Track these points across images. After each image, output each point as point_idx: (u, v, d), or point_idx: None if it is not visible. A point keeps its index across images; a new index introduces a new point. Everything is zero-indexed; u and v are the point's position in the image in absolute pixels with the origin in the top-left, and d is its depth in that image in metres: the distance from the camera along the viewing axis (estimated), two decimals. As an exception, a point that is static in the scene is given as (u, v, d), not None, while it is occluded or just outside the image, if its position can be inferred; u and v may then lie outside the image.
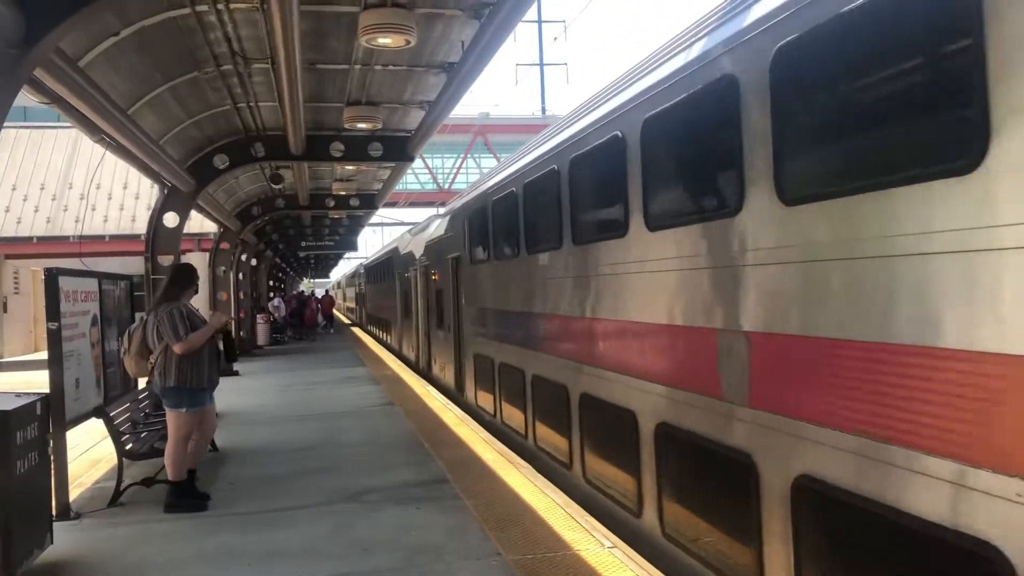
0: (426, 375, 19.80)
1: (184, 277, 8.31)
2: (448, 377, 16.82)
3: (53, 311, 7.86)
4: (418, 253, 20.11)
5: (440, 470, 9.29)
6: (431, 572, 6.01)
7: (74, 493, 8.81)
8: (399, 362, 23.75)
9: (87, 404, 8.70)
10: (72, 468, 10.10)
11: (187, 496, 8.10)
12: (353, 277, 63.03)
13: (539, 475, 8.93)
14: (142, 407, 10.55)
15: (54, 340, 7.83)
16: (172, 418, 7.97)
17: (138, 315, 11.92)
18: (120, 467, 8.53)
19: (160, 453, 8.66)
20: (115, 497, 8.39)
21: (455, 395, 15.67)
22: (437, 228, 17.56)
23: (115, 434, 8.54)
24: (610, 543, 6.46)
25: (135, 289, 11.75)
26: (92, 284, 9.38)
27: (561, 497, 7.93)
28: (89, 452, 11.25)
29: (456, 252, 14.74)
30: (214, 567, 6.34)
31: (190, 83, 10.82)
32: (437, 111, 12.22)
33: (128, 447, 8.70)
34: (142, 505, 8.26)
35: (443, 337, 16.95)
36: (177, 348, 7.73)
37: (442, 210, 18.85)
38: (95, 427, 8.85)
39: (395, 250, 27.23)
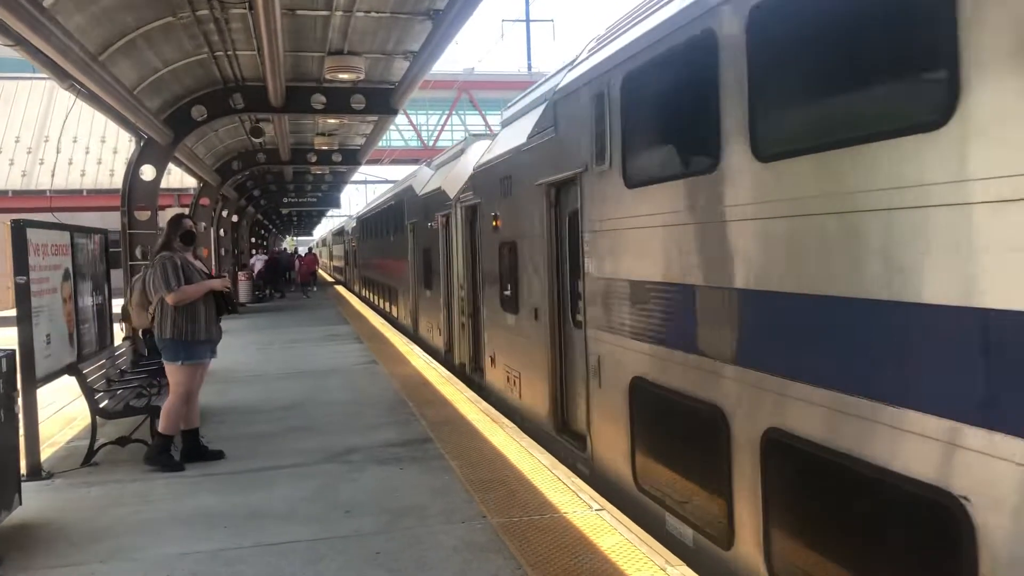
0: (481, 389, 12.24)
1: (173, 227, 8.08)
2: (540, 404, 9.36)
3: (21, 265, 7.56)
4: (456, 189, 13.51)
5: (424, 429, 9.11)
6: (415, 535, 5.82)
7: (47, 452, 8.60)
8: (382, 319, 23.48)
9: (60, 361, 8.43)
10: (45, 426, 9.89)
11: (191, 455, 8.00)
12: (340, 234, 55.88)
13: (524, 435, 8.76)
14: (119, 364, 10.30)
15: (22, 295, 7.55)
16: (170, 372, 7.83)
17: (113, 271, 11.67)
18: (94, 426, 8.29)
19: (136, 411, 8.46)
20: (88, 456, 8.17)
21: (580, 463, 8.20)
22: (509, 137, 10.51)
23: (88, 392, 8.28)
24: (598, 505, 6.30)
25: (111, 244, 11.43)
26: (64, 237, 9.07)
27: (547, 458, 7.76)
28: (65, 410, 11.00)
29: (570, 167, 7.94)
30: (190, 530, 6.13)
31: (164, 29, 10.38)
32: (422, 61, 11.85)
33: (102, 405, 8.45)
34: (117, 465, 8.04)
35: (527, 331, 9.71)
36: (169, 298, 7.56)
37: (506, 113, 11.35)
38: (71, 384, 8.58)
39: (406, 191, 20.42)
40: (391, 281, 24.32)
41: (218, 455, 8.07)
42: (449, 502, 6.52)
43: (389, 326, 21.44)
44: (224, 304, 8.05)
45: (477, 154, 13.03)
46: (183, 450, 8.05)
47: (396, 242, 22.23)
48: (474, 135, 15.52)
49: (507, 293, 10.45)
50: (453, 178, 14.31)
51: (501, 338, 11.00)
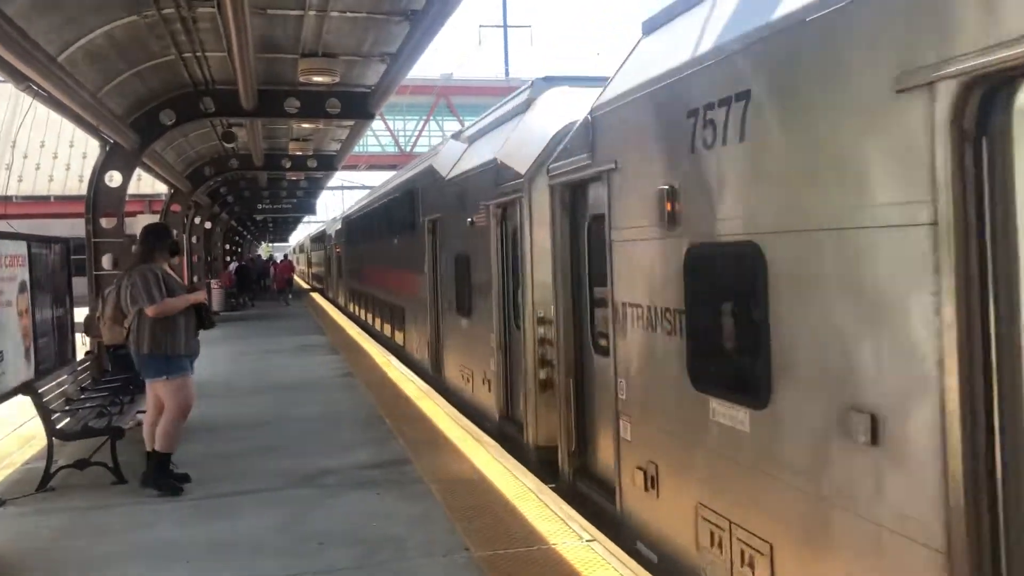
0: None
1: (154, 237, 7.66)
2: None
3: (-30, 278, 7.08)
4: (534, 158, 8.62)
5: (402, 449, 8.69)
6: (392, 572, 5.40)
7: (0, 475, 8.10)
8: (358, 328, 22.97)
9: (15, 378, 7.99)
10: (1, 446, 9.39)
11: (168, 477, 7.49)
12: (320, 240, 48.38)
13: (508, 455, 8.35)
14: (80, 381, 9.79)
15: (-29, 310, 7.06)
16: (160, 388, 7.36)
17: (75, 279, 11.15)
18: (50, 448, 7.80)
19: (96, 432, 7.95)
20: (44, 481, 7.66)
21: None
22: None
23: (44, 412, 7.77)
24: (588, 536, 5.90)
25: (73, 252, 10.94)
26: (20, 248, 8.59)
27: (533, 481, 7.36)
28: (24, 427, 10.44)
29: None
30: (148, 565, 5.68)
31: (129, 28, 9.89)
32: (399, 64, 11.42)
33: (59, 426, 7.95)
34: (75, 490, 7.54)
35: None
36: (150, 311, 7.11)
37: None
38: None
39: (422, 176, 15.18)
40: (396, 299, 18.34)
41: (183, 479, 7.59)
42: (430, 532, 6.10)
43: (367, 336, 20.88)
44: (203, 318, 7.63)
45: (567, 101, 8.80)
46: (147, 472, 7.56)
47: (403, 246, 16.95)
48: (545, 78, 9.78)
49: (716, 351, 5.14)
50: (522, 143, 9.22)
51: (678, 435, 5.49)
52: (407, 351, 16.66)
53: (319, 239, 50.08)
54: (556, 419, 7.88)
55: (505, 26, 58.80)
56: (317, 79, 12.09)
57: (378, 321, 21.72)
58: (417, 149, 48.76)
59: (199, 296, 7.72)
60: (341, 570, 5.48)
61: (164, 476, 7.39)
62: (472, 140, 12.48)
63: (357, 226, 26.87)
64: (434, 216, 13.60)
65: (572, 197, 7.44)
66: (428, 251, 13.94)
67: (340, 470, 7.94)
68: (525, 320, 8.78)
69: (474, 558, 5.55)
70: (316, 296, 43.14)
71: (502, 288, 9.78)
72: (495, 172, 9.78)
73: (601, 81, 7.32)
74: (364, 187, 48.25)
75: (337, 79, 12.18)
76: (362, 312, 25.53)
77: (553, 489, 7.26)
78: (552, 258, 7.76)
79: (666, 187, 5.28)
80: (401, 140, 51.72)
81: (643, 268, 5.83)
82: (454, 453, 8.42)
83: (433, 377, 13.62)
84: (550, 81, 9.71)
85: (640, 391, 5.98)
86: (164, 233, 7.94)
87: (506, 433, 9.57)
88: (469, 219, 10.75)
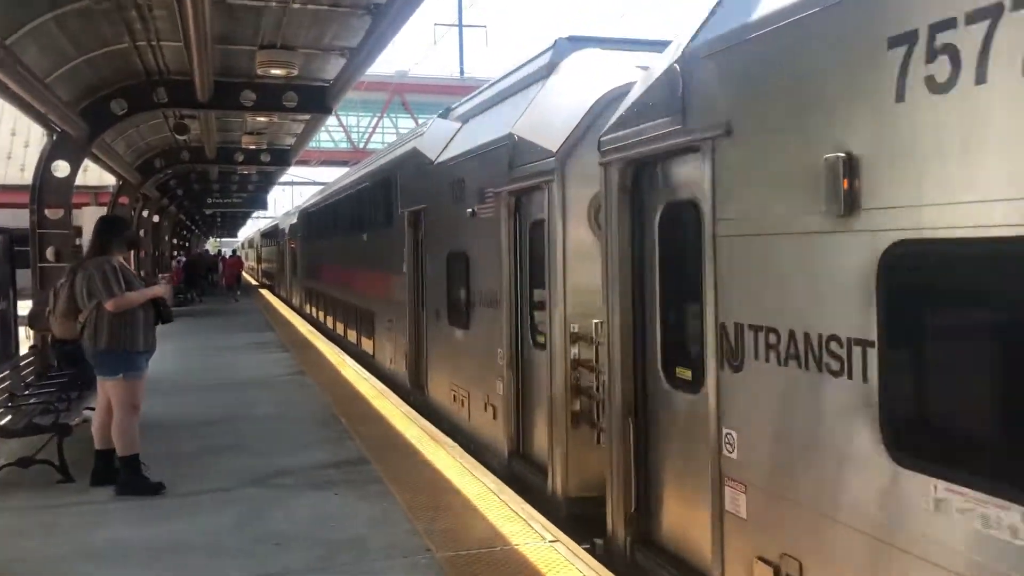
0: None
1: (110, 229, 7.39)
2: None
3: (-91, 268, 6.80)
4: (568, 131, 7.00)
5: (359, 449, 8.56)
6: (353, 573, 5.30)
7: (-60, 474, 7.78)
8: (309, 327, 22.68)
9: (-45, 373, 7.66)
10: (-60, 444, 9.03)
11: (102, 478, 7.24)
12: (272, 236, 43.84)
13: (467, 455, 8.28)
14: (23, 376, 9.49)
15: (-90, 301, 6.78)
16: (112, 388, 7.06)
17: (20, 271, 10.81)
18: (-8, 446, 7.52)
19: (41, 429, 7.68)
20: (-14, 480, 7.39)
21: None
22: None
23: (-14, 408, 7.52)
24: (551, 536, 5.86)
25: (16, 243, 10.59)
26: (-40, 237, 8.28)
27: (494, 481, 7.30)
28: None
29: None
30: (99, 567, 5.51)
31: (80, 13, 9.60)
32: (360, 59, 11.28)
33: (2, 422, 7.69)
34: (19, 489, 7.28)
35: None
36: (109, 305, 6.85)
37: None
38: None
39: (402, 162, 13.10)
40: (364, 301, 16.31)
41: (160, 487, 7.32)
42: (390, 533, 6.01)
43: (317, 334, 20.60)
44: (161, 312, 7.40)
45: (602, 64, 7.48)
46: (93, 471, 7.32)
47: (375, 243, 15.00)
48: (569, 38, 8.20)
49: None
50: (550, 114, 7.60)
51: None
52: (377, 360, 14.72)
53: (271, 235, 45.94)
54: (594, 462, 6.38)
55: (461, 25, 58.51)
56: (275, 71, 11.91)
57: (340, 325, 19.41)
58: (371, 146, 48.41)
59: (159, 290, 7.52)
60: (299, 572, 5.36)
61: (138, 477, 7.14)
62: (467, 118, 10.54)
63: (317, 220, 23.79)
64: (417, 207, 11.51)
65: (636, 178, 5.61)
66: (409, 248, 12.00)
67: (297, 470, 7.79)
68: (552, 336, 6.99)
69: (436, 559, 5.48)
70: (267, 294, 42.31)
71: (515, 295, 7.98)
72: (509, 151, 7.84)
73: (634, 44, 6.80)
74: (315, 183, 47.72)
75: (295, 72, 12.00)
76: (320, 314, 22.86)
77: (599, 556, 5.84)
78: (604, 258, 5.86)
79: (839, 156, 3.58)
80: (354, 136, 51.30)
81: (782, 275, 4.11)
82: (412, 453, 8.33)
83: (412, 392, 11.86)
84: (576, 42, 8.00)
85: (771, 452, 4.20)
86: (121, 225, 7.72)
87: (518, 475, 7.72)
88: (469, 210, 8.85)
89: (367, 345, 15.88)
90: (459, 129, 10.59)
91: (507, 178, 7.91)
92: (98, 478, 7.27)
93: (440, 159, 10.50)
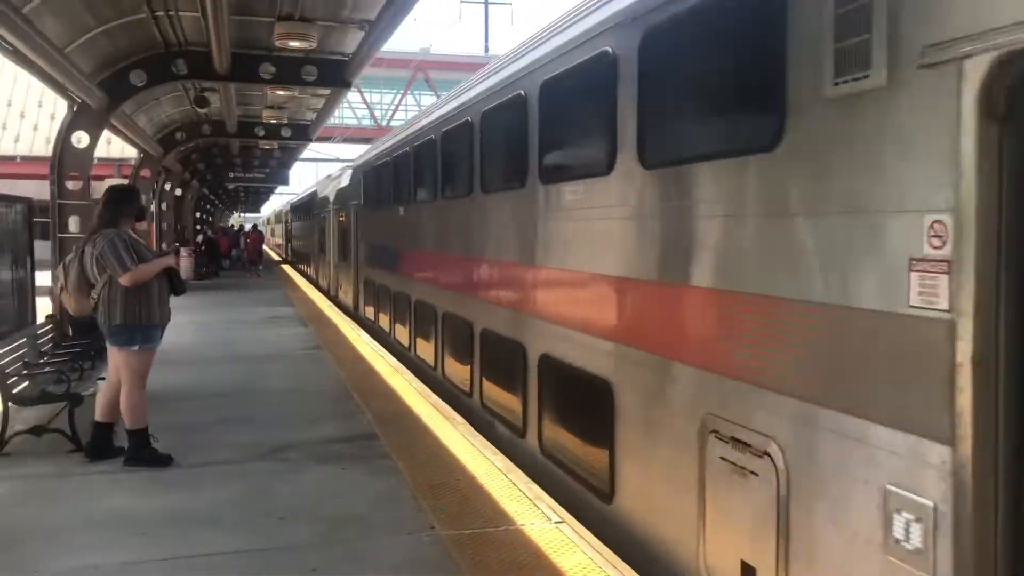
0: None
1: (122, 199, 7.23)
2: None
3: (-78, 234, 6.79)
4: None
5: (369, 424, 8.52)
6: (356, 550, 5.25)
7: (-47, 439, 7.82)
8: (328, 301, 22.66)
9: (-31, 341, 7.67)
10: (-46, 411, 9.10)
11: (99, 451, 7.17)
12: (307, 208, 34.34)
13: (478, 434, 8.21)
14: (40, 345, 9.52)
15: (-77, 268, 6.78)
16: (124, 359, 6.92)
17: (38, 243, 10.83)
18: (5, 413, 7.55)
19: (54, 398, 7.68)
20: (-2, 447, 7.42)
21: None
22: None
23: (0, 376, 7.52)
24: (557, 517, 5.78)
25: (35, 214, 10.60)
26: (-22, 206, 8.28)
27: (503, 461, 7.22)
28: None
29: None
30: (100, 536, 5.48)
31: (98, -18, 9.60)
32: (378, 31, 11.17)
33: (16, 391, 7.70)
34: (30, 457, 7.30)
35: None
36: (124, 279, 6.72)
37: None
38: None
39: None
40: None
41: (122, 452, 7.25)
42: (395, 510, 5.95)
43: (336, 309, 20.59)
44: (175, 284, 7.27)
45: None
46: (90, 443, 7.27)
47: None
48: None
49: None
50: None
51: None
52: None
53: (305, 207, 36.01)
54: None
55: (487, 2, 58.19)
56: (293, 44, 11.81)
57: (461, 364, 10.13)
58: (394, 123, 48.32)
59: (169, 260, 7.36)
60: (303, 547, 5.31)
61: (147, 449, 7.08)
62: None
63: (405, 176, 13.54)
64: None
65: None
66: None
67: (305, 444, 7.76)
68: None
69: (440, 537, 5.41)
70: (296, 276, 41.23)
71: None
72: None
73: None
74: (338, 160, 47.72)
75: (314, 45, 11.91)
76: (409, 333, 13.34)
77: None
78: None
79: None
80: (377, 113, 51.24)
81: None
82: (422, 430, 8.27)
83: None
84: None
85: None
86: (132, 195, 7.53)
87: None
88: None
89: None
90: None
91: None
92: (95, 451, 7.20)
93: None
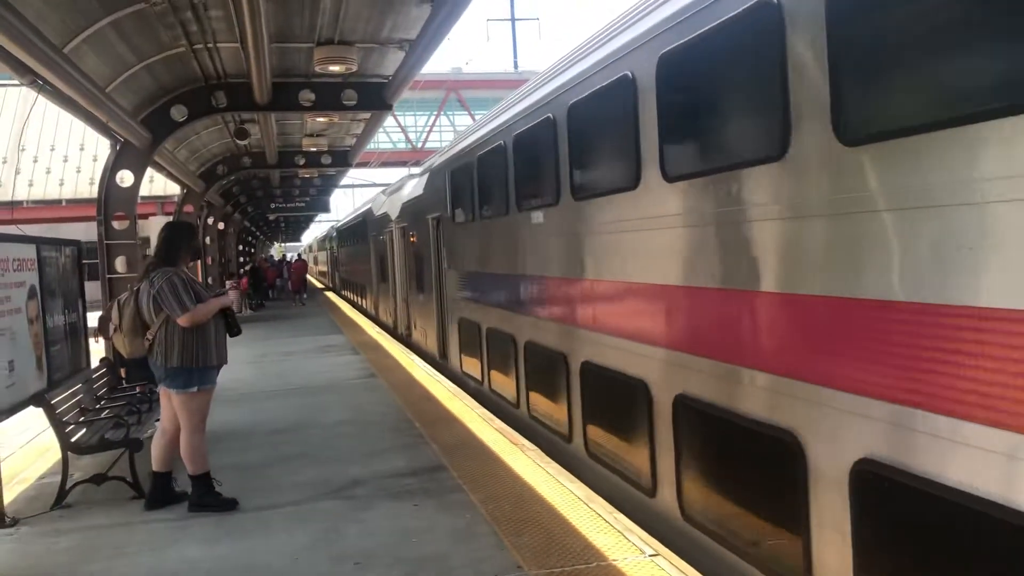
0: None
1: (181, 236, 7.02)
2: None
3: (-25, 283, 6.61)
4: None
5: (435, 454, 8.19)
6: (440, 596, 4.91)
7: (13, 492, 7.67)
8: (377, 328, 22.44)
9: (25, 390, 7.47)
10: (13, 461, 8.99)
11: (158, 499, 6.93)
12: (358, 231, 29.71)
13: (549, 459, 7.84)
14: (96, 390, 9.34)
15: (-23, 317, 6.59)
16: (181, 402, 6.67)
17: (88, 284, 10.68)
18: (65, 463, 7.34)
19: (113, 445, 7.47)
20: (60, 498, 7.21)
21: None
22: None
23: (57, 424, 7.31)
24: (651, 550, 5.39)
25: (84, 256, 10.47)
26: (29, 251, 8.11)
27: (581, 488, 6.84)
28: (39, 438, 10.00)
29: None
30: (172, 592, 5.21)
31: (136, 18, 9.43)
32: (419, 51, 10.93)
33: (74, 439, 7.49)
34: (92, 507, 7.08)
35: None
36: (182, 320, 6.48)
37: None
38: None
39: None
40: None
41: (184, 497, 6.99)
42: (476, 548, 5.60)
43: (386, 335, 20.32)
44: (231, 324, 6.99)
45: None
46: (149, 494, 7.03)
47: None
48: None
49: None
50: None
51: None
52: None
53: (356, 229, 31.05)
54: None
55: (513, 19, 58.29)
56: (333, 68, 11.62)
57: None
58: (429, 145, 48.38)
59: (227, 300, 7.08)
60: (383, 594, 4.99)
61: (211, 494, 6.82)
62: None
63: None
64: None
65: None
66: None
67: (371, 479, 7.45)
68: None
69: (529, 578, 5.05)
70: (340, 303, 41.57)
71: None
72: None
73: None
74: (374, 184, 47.74)
75: (354, 68, 11.70)
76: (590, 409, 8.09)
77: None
78: None
79: None
80: (412, 136, 51.33)
81: None
82: (491, 458, 7.92)
83: None
84: None
85: None
86: (189, 232, 7.29)
87: None
88: None
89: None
90: None
91: None
92: (155, 501, 6.94)
93: None
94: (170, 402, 6.82)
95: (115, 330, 6.89)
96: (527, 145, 9.17)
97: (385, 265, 22.09)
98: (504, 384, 10.75)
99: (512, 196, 9.68)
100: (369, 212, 26.09)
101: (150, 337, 6.69)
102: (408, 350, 16.32)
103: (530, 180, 9.28)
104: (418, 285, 16.97)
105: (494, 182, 10.53)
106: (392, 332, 20.86)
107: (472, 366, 12.50)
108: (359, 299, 31.58)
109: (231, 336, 7.00)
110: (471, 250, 12.23)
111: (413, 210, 16.82)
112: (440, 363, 14.71)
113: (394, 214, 19.57)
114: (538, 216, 8.86)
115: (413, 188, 17.11)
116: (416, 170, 19.90)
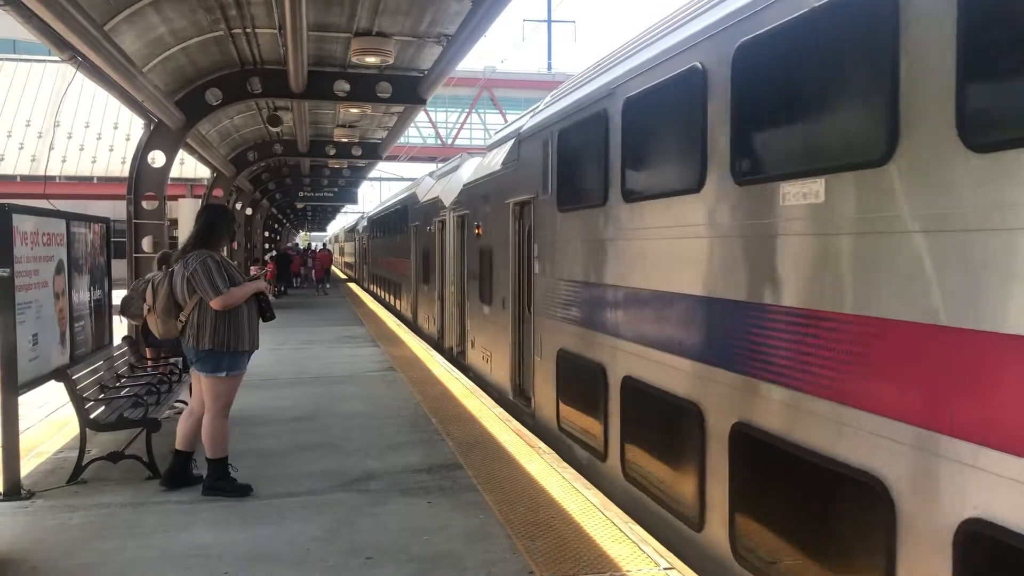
0: None
1: (220, 219, 6.97)
2: None
3: (4, 255, 6.62)
4: None
5: (451, 452, 8.14)
6: (451, 597, 4.85)
7: (31, 464, 7.71)
8: (398, 321, 22.44)
9: (48, 364, 7.50)
10: (32, 433, 9.04)
11: (175, 480, 6.94)
12: (396, 220, 26.29)
13: (566, 465, 7.77)
14: (116, 367, 9.37)
15: (4, 289, 6.61)
16: (209, 385, 6.67)
17: (115, 262, 10.72)
18: (83, 438, 7.35)
19: (131, 424, 7.48)
20: (76, 473, 7.24)
21: None
22: None
23: (77, 400, 7.34)
24: (666, 563, 5.30)
25: (113, 234, 10.51)
26: (58, 225, 8.14)
27: (597, 495, 6.77)
28: (58, 413, 10.06)
29: None
30: (178, 574, 5.18)
31: (178, 0, 9.46)
32: (457, 46, 10.85)
33: (93, 415, 7.51)
34: (107, 484, 7.10)
35: None
36: (215, 303, 6.46)
37: None
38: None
39: None
40: None
41: (198, 481, 6.99)
42: (488, 550, 5.54)
43: (406, 328, 20.32)
44: (265, 309, 6.96)
45: None
46: (168, 471, 7.03)
47: None
48: None
49: None
50: None
51: None
52: None
53: (393, 218, 27.34)
54: None
55: (549, 21, 58.13)
56: (369, 59, 11.59)
57: None
58: (458, 142, 48.41)
59: (261, 284, 7.05)
60: (393, 591, 4.94)
61: (225, 479, 6.81)
62: None
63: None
64: None
65: None
66: None
67: (387, 473, 7.41)
68: None
69: (541, 584, 4.99)
70: (363, 295, 41.87)
71: None
72: None
73: None
74: (402, 179, 47.84)
75: (390, 60, 11.68)
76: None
77: None
78: None
79: None
80: (443, 132, 51.38)
81: None
82: (506, 459, 7.85)
83: None
84: None
85: None
86: (228, 215, 7.26)
87: None
88: None
89: None
90: None
91: None
92: (172, 480, 6.96)
93: None
94: (199, 385, 6.82)
95: (149, 310, 6.89)
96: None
97: (431, 261, 18.54)
98: (658, 472, 6.70)
99: (704, 161, 5.68)
100: (411, 198, 22.31)
101: (183, 319, 6.68)
102: (456, 369, 13.55)
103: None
104: (482, 292, 13.19)
105: (656, 144, 6.75)
106: (437, 346, 17.38)
107: (582, 425, 8.41)
108: (392, 298, 28.01)
109: (264, 321, 6.97)
110: (595, 251, 7.87)
111: (482, 192, 12.99)
112: (513, 403, 11.07)
113: (449, 199, 16.04)
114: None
115: (483, 164, 13.64)
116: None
